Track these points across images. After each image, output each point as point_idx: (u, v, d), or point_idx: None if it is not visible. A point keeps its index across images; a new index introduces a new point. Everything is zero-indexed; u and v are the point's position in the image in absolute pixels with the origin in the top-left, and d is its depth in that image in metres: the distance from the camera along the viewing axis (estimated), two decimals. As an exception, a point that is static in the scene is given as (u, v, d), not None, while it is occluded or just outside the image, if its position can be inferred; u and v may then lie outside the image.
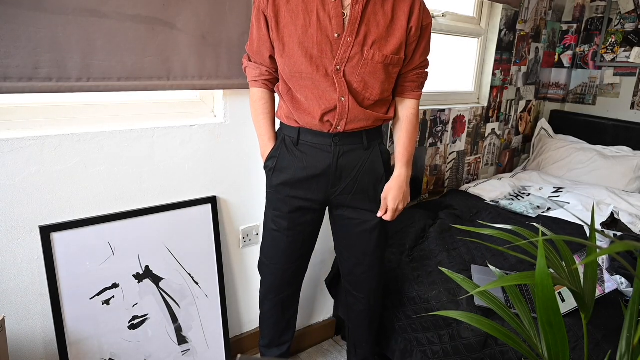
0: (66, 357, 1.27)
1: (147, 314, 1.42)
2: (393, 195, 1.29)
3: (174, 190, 1.44)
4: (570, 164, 2.79)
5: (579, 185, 2.56)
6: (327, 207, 1.39)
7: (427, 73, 1.32)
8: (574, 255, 1.33)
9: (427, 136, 2.30)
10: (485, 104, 2.63)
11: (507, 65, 2.67)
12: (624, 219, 2.04)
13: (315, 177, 1.26)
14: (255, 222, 1.66)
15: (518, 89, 2.85)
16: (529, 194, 2.45)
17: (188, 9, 1.28)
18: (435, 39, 1.80)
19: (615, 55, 2.85)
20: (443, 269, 1.14)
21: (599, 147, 2.80)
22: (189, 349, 1.51)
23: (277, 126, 1.35)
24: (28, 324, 1.25)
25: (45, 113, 1.22)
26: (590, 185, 2.56)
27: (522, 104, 2.95)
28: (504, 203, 2.29)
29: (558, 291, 1.41)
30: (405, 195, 1.31)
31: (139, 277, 1.39)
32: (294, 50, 1.15)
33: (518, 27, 2.64)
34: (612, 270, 1.52)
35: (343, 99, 1.18)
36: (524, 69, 2.82)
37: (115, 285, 1.35)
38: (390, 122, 1.35)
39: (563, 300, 1.38)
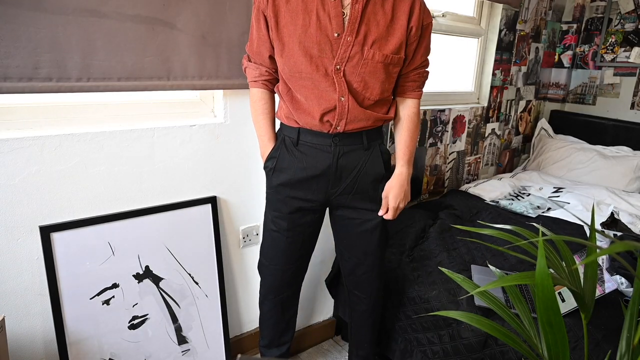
0: (66, 357, 1.27)
1: (147, 314, 1.42)
2: (394, 193, 1.29)
3: (174, 190, 1.44)
4: (570, 164, 2.79)
5: (579, 185, 2.56)
6: (328, 208, 1.39)
7: (427, 72, 1.32)
8: (574, 255, 1.33)
9: (427, 136, 2.30)
10: (485, 104, 2.63)
11: (507, 65, 2.67)
12: (624, 219, 2.04)
13: (315, 177, 1.26)
14: (255, 222, 1.66)
15: (518, 89, 2.85)
16: (529, 194, 2.45)
17: (188, 9, 1.28)
18: (435, 39, 1.80)
19: (615, 55, 2.85)
20: (443, 269, 1.14)
21: (599, 147, 2.80)
22: (189, 349, 1.51)
23: (277, 126, 1.35)
24: (28, 324, 1.25)
25: (45, 113, 1.22)
26: (590, 185, 2.56)
27: (522, 104, 2.95)
28: (504, 203, 2.29)
29: (558, 291, 1.41)
30: (406, 194, 1.31)
31: (139, 277, 1.39)
32: (294, 50, 1.15)
33: (518, 27, 2.64)
34: (612, 270, 1.52)
35: (343, 98, 1.18)
36: (524, 69, 2.82)
37: (115, 285, 1.35)
38: (391, 122, 1.35)
39: (563, 300, 1.38)
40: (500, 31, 2.53)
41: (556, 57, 3.07)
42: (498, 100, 2.71)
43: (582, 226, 1.99)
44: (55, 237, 1.23)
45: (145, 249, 1.40)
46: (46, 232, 1.21)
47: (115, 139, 1.29)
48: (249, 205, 1.63)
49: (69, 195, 1.24)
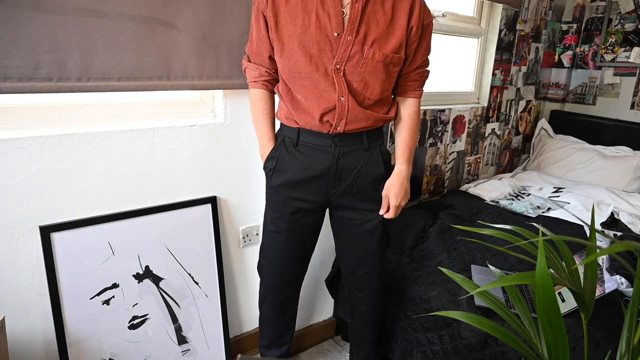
0: (66, 357, 1.27)
1: (147, 314, 1.42)
2: (395, 192, 1.29)
3: (174, 190, 1.44)
4: (570, 164, 2.79)
5: (579, 185, 2.56)
6: (328, 209, 1.39)
7: (428, 72, 1.32)
8: (574, 255, 1.33)
9: (427, 136, 2.30)
10: (485, 104, 2.63)
11: (507, 65, 2.67)
12: (624, 219, 2.04)
13: (315, 177, 1.26)
14: (255, 222, 1.66)
15: (518, 89, 2.85)
16: (529, 194, 2.45)
17: (188, 9, 1.28)
18: (435, 39, 1.80)
19: (615, 55, 2.85)
20: (443, 269, 1.14)
21: (599, 147, 2.80)
22: (189, 349, 1.51)
23: (277, 127, 1.35)
24: (28, 324, 1.25)
25: (45, 113, 1.22)
26: (590, 185, 2.56)
27: (522, 104, 2.95)
28: (504, 203, 2.29)
29: (558, 291, 1.41)
30: (406, 192, 1.31)
31: (139, 277, 1.39)
32: (294, 50, 1.15)
33: (518, 27, 2.64)
34: (612, 270, 1.52)
35: (342, 98, 1.18)
36: (524, 69, 2.82)
37: (115, 285, 1.35)
38: (391, 122, 1.35)
39: (563, 300, 1.38)
40: (500, 31, 2.53)
41: (556, 57, 3.07)
42: (498, 100, 2.71)
43: (582, 226, 1.99)
44: (55, 237, 1.23)
45: (145, 249, 1.39)
46: (46, 232, 1.21)
47: (115, 139, 1.29)
48: (249, 205, 1.63)
49: (69, 195, 1.24)
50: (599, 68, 2.94)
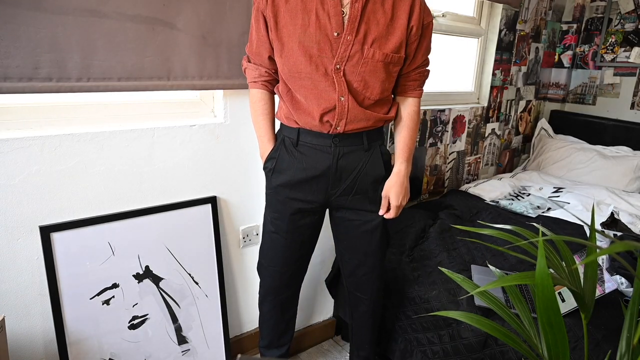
0: (66, 357, 1.27)
1: (147, 314, 1.42)
2: (395, 192, 1.28)
3: (174, 190, 1.44)
4: (570, 164, 2.79)
5: (579, 185, 2.56)
6: (328, 210, 1.39)
7: (428, 71, 1.32)
8: (574, 255, 1.33)
9: (427, 136, 2.30)
10: (485, 104, 2.63)
11: (507, 65, 2.67)
12: (624, 219, 2.04)
13: (314, 178, 1.26)
14: (255, 222, 1.65)
15: (518, 89, 2.85)
16: (529, 194, 2.45)
17: (188, 9, 1.28)
18: (436, 39, 1.79)
19: (615, 55, 2.85)
20: (443, 269, 1.14)
21: (599, 147, 2.80)
22: (189, 349, 1.51)
23: (277, 127, 1.35)
24: (28, 324, 1.25)
25: (45, 113, 1.22)
26: (590, 185, 2.56)
27: (522, 104, 2.95)
28: (504, 203, 2.29)
29: (558, 291, 1.41)
30: (406, 191, 1.31)
31: (139, 277, 1.39)
32: (293, 50, 1.15)
33: (518, 27, 2.64)
34: (612, 270, 1.52)
35: (342, 98, 1.18)
36: (524, 69, 2.82)
37: (115, 285, 1.35)
38: (391, 122, 1.35)
39: (563, 300, 1.38)
40: (500, 31, 2.53)
41: (556, 57, 3.07)
42: (498, 100, 2.71)
43: (582, 226, 1.99)
44: (55, 237, 1.23)
45: (145, 249, 1.39)
46: (46, 232, 1.21)
47: (115, 139, 1.29)
48: (249, 205, 1.63)
49: (69, 195, 1.24)
50: (599, 68, 2.94)
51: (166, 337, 1.46)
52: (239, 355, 0.75)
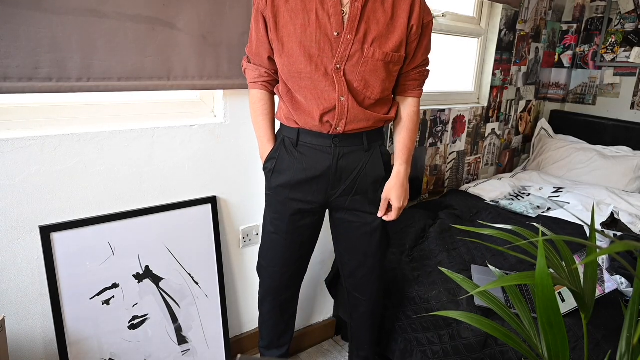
0: (66, 357, 1.27)
1: (147, 314, 1.42)
2: (396, 194, 1.28)
3: (174, 190, 1.44)
4: (570, 164, 2.79)
5: (579, 185, 2.56)
6: (328, 210, 1.39)
7: (428, 71, 1.32)
8: (574, 255, 1.33)
9: (427, 136, 2.30)
10: (485, 104, 2.63)
11: (507, 65, 2.67)
12: (624, 219, 2.04)
13: (314, 178, 1.26)
14: (255, 222, 1.65)
15: (518, 89, 2.85)
16: (529, 194, 2.45)
17: (188, 9, 1.28)
18: (436, 39, 1.80)
19: (615, 55, 2.85)
20: (443, 269, 1.14)
21: (599, 147, 2.80)
22: (189, 349, 1.51)
23: (277, 128, 1.35)
24: (28, 324, 1.25)
25: (45, 113, 1.22)
26: (590, 185, 2.56)
27: (522, 104, 2.95)
28: (504, 203, 2.29)
29: (558, 291, 1.41)
30: (406, 192, 1.31)
31: (139, 277, 1.39)
32: (293, 50, 1.15)
33: (518, 27, 2.64)
34: (612, 270, 1.52)
35: (342, 98, 1.18)
36: (524, 69, 2.82)
37: (115, 285, 1.35)
38: (391, 122, 1.35)
39: (563, 300, 1.38)
40: (500, 31, 2.53)
41: (556, 57, 3.07)
42: (498, 100, 2.71)
43: (582, 226, 1.99)
44: (55, 237, 1.23)
45: (145, 249, 1.39)
46: (46, 232, 1.21)
47: (115, 139, 1.29)
48: (249, 205, 1.63)
49: (69, 195, 1.24)
50: (599, 68, 2.94)
51: (166, 337, 1.46)
52: (239, 355, 0.76)
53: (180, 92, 1.41)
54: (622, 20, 2.80)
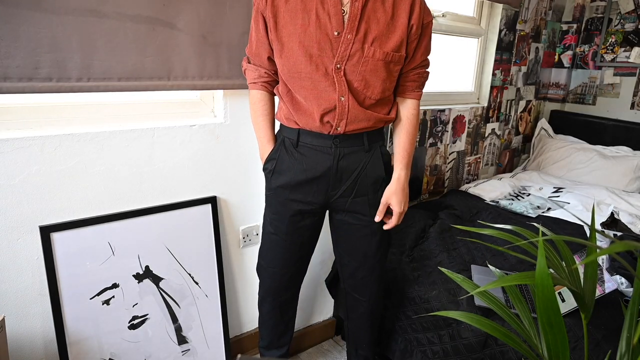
0: (66, 357, 1.27)
1: (147, 314, 1.42)
2: (397, 199, 1.28)
3: (174, 190, 1.44)
4: (570, 164, 2.79)
5: (579, 185, 2.56)
6: (328, 212, 1.39)
7: (427, 73, 1.31)
8: (574, 255, 1.33)
9: (427, 136, 2.30)
10: (485, 104, 2.63)
11: (507, 65, 2.67)
12: (624, 219, 2.04)
13: (315, 179, 1.26)
14: (255, 222, 1.65)
15: (518, 89, 2.85)
16: (529, 194, 2.45)
17: (188, 9, 1.28)
18: (435, 39, 1.80)
19: (615, 55, 2.85)
20: (443, 269, 1.14)
21: (599, 147, 2.80)
22: (189, 349, 1.51)
23: (277, 128, 1.35)
24: (28, 324, 1.25)
25: (45, 113, 1.22)
26: (590, 185, 2.56)
27: (522, 104, 2.95)
28: (504, 203, 2.29)
29: (558, 291, 1.41)
30: (407, 197, 1.31)
31: (139, 277, 1.39)
32: (294, 50, 1.15)
33: (518, 27, 2.64)
34: (612, 270, 1.52)
35: (343, 98, 1.17)
36: (524, 69, 2.82)
37: (115, 285, 1.35)
38: (391, 123, 1.34)
39: (563, 300, 1.38)
40: (500, 31, 2.53)
41: (556, 57, 3.07)
42: (498, 100, 2.71)
43: (582, 226, 1.99)
44: (55, 237, 1.23)
45: (145, 249, 1.39)
46: (46, 232, 1.21)
47: (115, 139, 1.29)
48: (249, 205, 1.63)
49: (69, 195, 1.24)
50: (599, 68, 2.94)
51: (166, 337, 1.46)
52: (239, 355, 0.76)
53: (180, 92, 1.41)
54: (622, 20, 2.80)
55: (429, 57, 1.30)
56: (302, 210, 1.30)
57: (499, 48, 2.56)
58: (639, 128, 2.73)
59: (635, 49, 2.75)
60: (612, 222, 1.94)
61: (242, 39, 1.39)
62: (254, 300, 1.68)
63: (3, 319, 1.07)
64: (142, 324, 1.41)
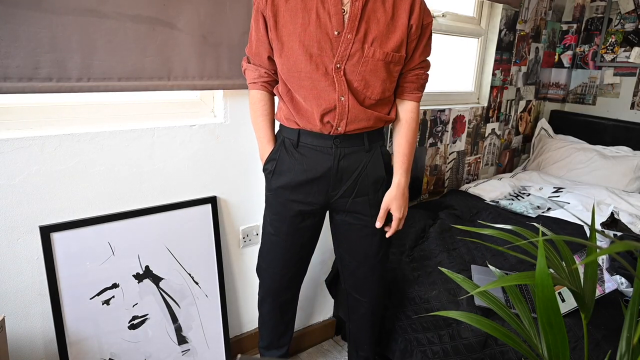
0: (66, 357, 1.27)
1: (147, 314, 1.42)
2: (397, 204, 1.27)
3: (174, 190, 1.44)
4: (570, 164, 2.79)
5: (579, 185, 2.56)
6: (328, 212, 1.38)
7: (427, 75, 1.30)
8: (574, 255, 1.33)
9: (427, 136, 2.30)
10: (485, 104, 2.63)
11: (507, 65, 2.67)
12: (624, 219, 2.04)
13: (315, 179, 1.25)
14: (255, 222, 1.65)
15: (518, 89, 2.85)
16: (529, 194, 2.45)
17: (188, 9, 1.28)
18: (435, 39, 1.79)
19: (615, 55, 2.85)
20: (443, 269, 1.14)
21: (599, 147, 2.80)
22: (189, 349, 1.51)
23: (277, 128, 1.35)
24: (28, 324, 1.25)
25: (45, 113, 1.22)
26: (590, 185, 2.56)
27: (522, 104, 2.95)
28: (504, 203, 2.29)
29: (558, 291, 1.41)
30: (406, 202, 1.31)
31: (139, 277, 1.39)
32: (294, 49, 1.15)
33: (518, 27, 2.64)
34: (612, 270, 1.52)
35: (342, 98, 1.17)
36: (524, 69, 2.82)
37: (115, 285, 1.35)
38: (391, 123, 1.34)
39: (563, 300, 1.38)
40: (500, 31, 2.53)
41: (556, 57, 3.07)
42: (498, 100, 2.71)
43: (582, 226, 1.99)
44: (55, 237, 1.23)
45: (145, 249, 1.39)
46: (46, 232, 1.21)
47: (115, 139, 1.29)
48: (249, 205, 1.63)
49: (69, 195, 1.24)
50: (599, 68, 2.94)
51: (166, 337, 1.46)
52: (239, 355, 0.76)
53: (181, 92, 1.41)
54: (622, 20, 2.80)
55: (429, 59, 1.30)
56: (302, 211, 1.30)
57: (499, 48, 2.56)
58: (639, 128, 2.73)
59: (635, 49, 2.75)
60: (612, 222, 1.94)
61: (242, 39, 1.39)
62: (254, 301, 1.68)
63: (3, 319, 1.07)
64: (142, 324, 1.41)
